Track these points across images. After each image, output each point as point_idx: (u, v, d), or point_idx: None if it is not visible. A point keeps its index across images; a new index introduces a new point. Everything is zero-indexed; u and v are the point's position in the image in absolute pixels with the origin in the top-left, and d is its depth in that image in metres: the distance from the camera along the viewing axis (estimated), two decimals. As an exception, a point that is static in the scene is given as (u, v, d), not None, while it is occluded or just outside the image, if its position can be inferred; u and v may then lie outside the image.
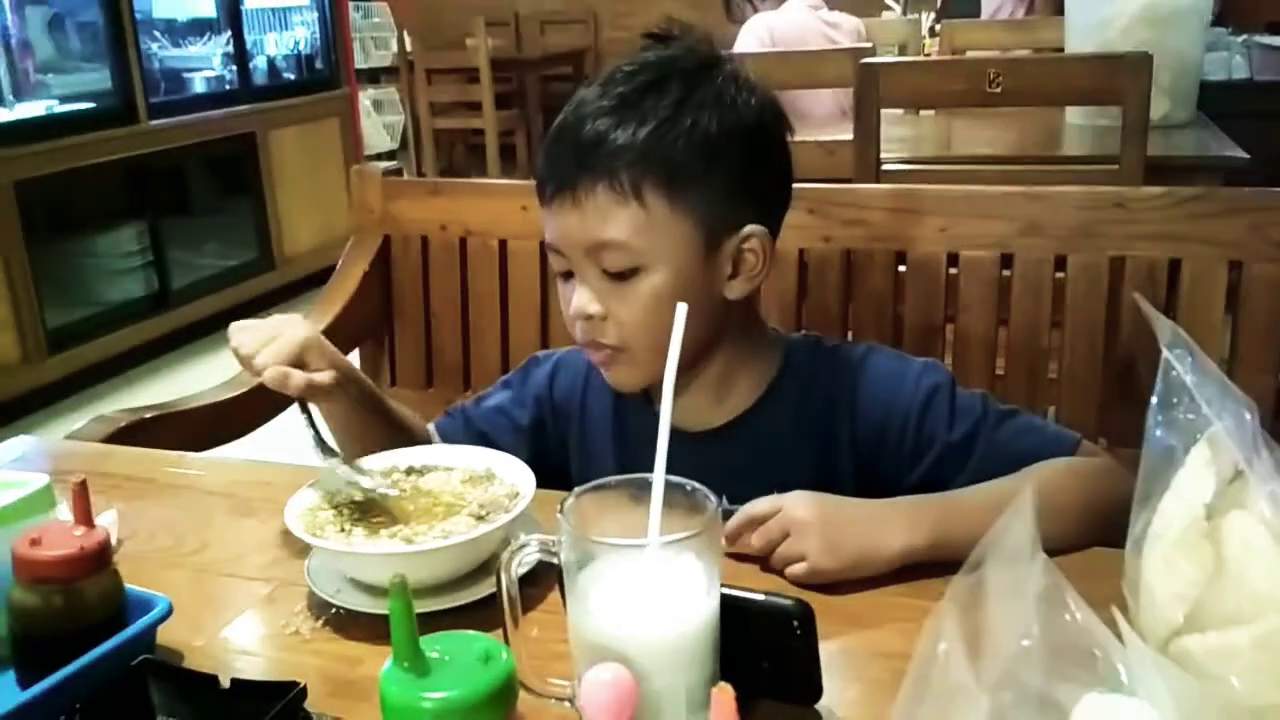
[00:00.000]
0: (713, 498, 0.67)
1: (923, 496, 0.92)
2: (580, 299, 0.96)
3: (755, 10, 3.43)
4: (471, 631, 0.58)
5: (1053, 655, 0.47)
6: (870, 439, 1.02)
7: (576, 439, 1.12)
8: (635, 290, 0.94)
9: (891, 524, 0.87)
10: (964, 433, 0.98)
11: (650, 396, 1.02)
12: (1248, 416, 0.49)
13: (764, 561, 0.89)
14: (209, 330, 4.25)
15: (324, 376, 0.98)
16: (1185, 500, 0.52)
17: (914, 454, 1.00)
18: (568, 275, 0.98)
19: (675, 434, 1.01)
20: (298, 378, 0.96)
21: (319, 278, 1.79)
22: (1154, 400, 0.54)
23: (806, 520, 0.86)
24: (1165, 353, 0.52)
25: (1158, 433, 0.53)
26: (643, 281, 0.93)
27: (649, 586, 0.64)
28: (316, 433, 0.97)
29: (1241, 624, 0.49)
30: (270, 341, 0.98)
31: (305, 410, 0.99)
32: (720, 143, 0.93)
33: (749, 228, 0.96)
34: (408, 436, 1.09)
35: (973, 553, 0.51)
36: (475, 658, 0.54)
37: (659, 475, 0.67)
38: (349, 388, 1.03)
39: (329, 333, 1.69)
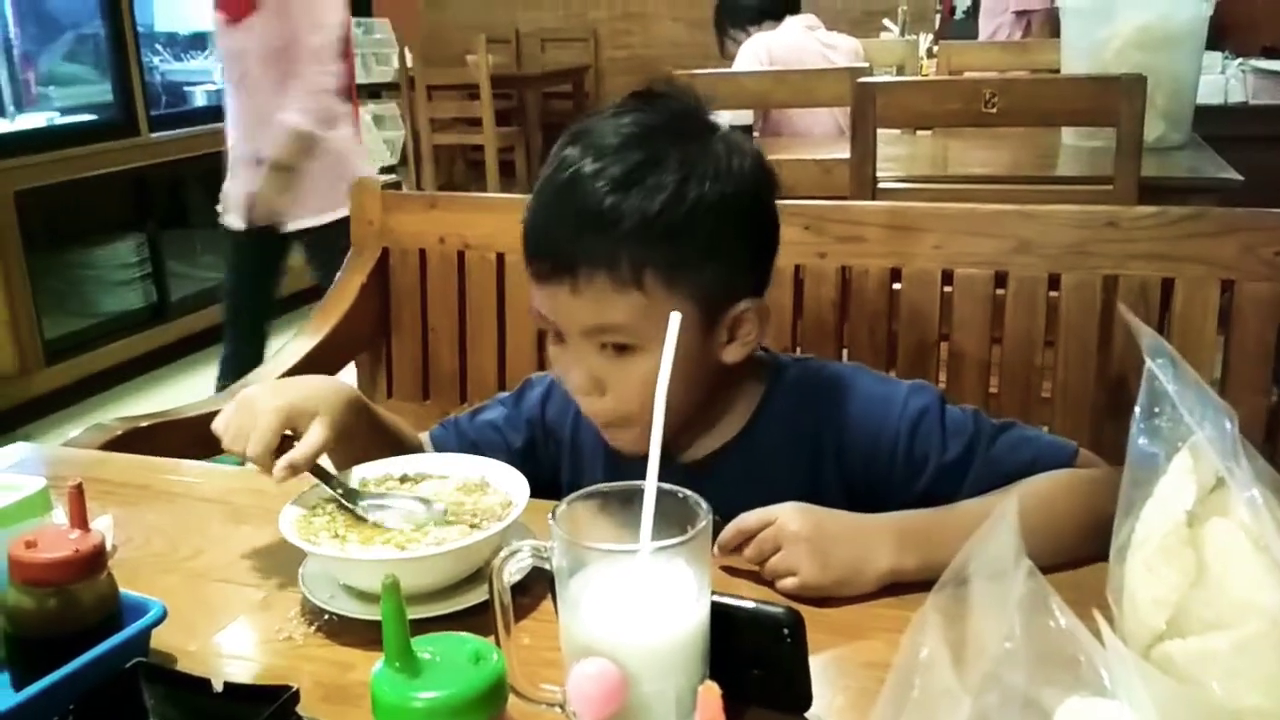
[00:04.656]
0: (704, 505, 0.67)
1: (913, 513, 0.92)
2: (577, 379, 0.95)
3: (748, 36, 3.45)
4: (463, 633, 0.59)
5: (1036, 659, 0.47)
6: (858, 463, 1.01)
7: (568, 466, 1.12)
8: (633, 367, 0.92)
9: (881, 543, 0.87)
10: (958, 452, 0.98)
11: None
12: (1228, 425, 0.50)
13: (755, 573, 0.89)
14: (207, 342, 4.24)
15: (316, 437, 0.93)
16: (1167, 508, 0.52)
17: (906, 478, 0.99)
18: (559, 336, 0.97)
19: (665, 466, 1.01)
20: (300, 462, 0.92)
21: (317, 291, 1.80)
22: (1137, 410, 0.54)
23: (798, 534, 0.87)
24: (1148, 362, 0.53)
25: (1140, 441, 0.54)
26: (640, 360, 0.92)
27: (640, 592, 0.64)
28: (324, 477, 0.95)
29: (1222, 629, 0.50)
30: (248, 430, 0.93)
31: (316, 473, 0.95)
32: (719, 223, 0.92)
33: (745, 303, 0.96)
34: (406, 450, 1.09)
35: (955, 560, 0.51)
36: (466, 658, 0.55)
37: (651, 482, 0.68)
38: (352, 423, 0.99)
39: (326, 344, 1.71)
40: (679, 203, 0.90)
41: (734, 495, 0.97)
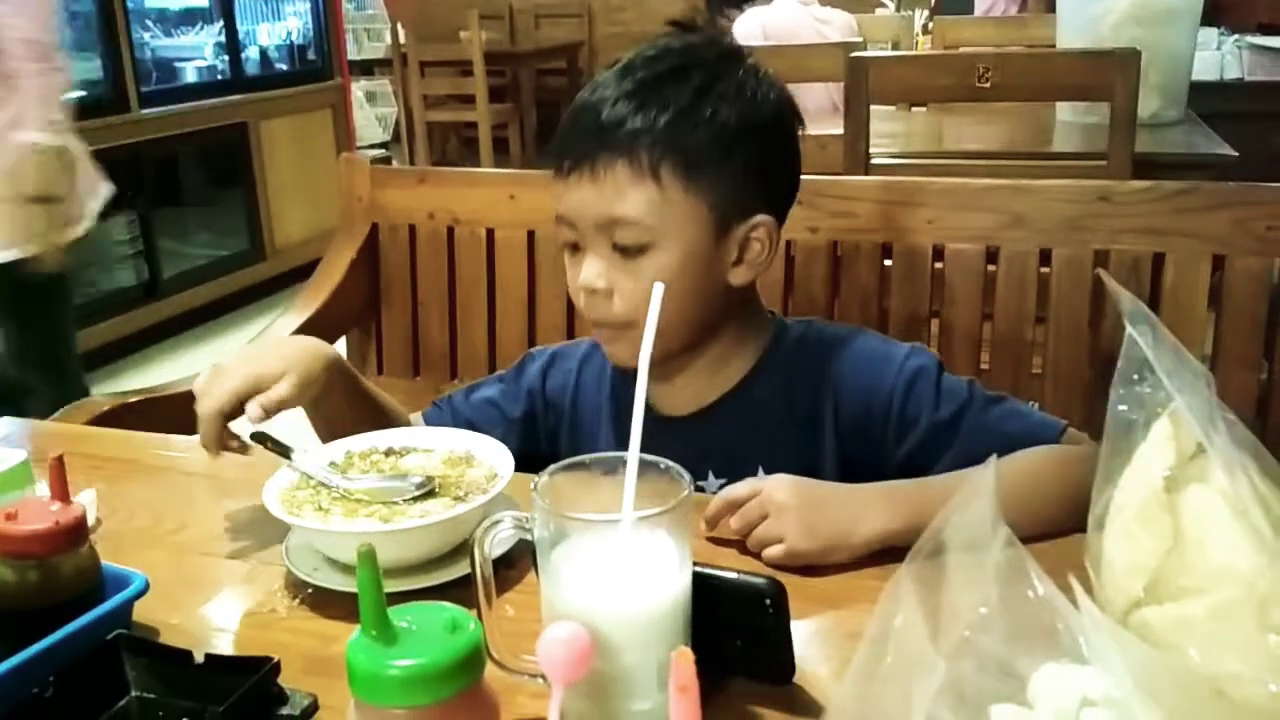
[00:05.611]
0: (686, 475, 0.67)
1: (899, 482, 0.93)
2: (587, 273, 0.97)
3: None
4: (440, 602, 0.58)
5: (1014, 627, 0.47)
6: (854, 418, 1.02)
7: (567, 433, 1.13)
8: (643, 266, 0.95)
9: (868, 508, 0.88)
10: (950, 413, 0.99)
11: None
12: (1205, 390, 0.50)
13: (741, 545, 0.89)
14: (199, 320, 4.25)
15: (279, 392, 0.95)
16: (1146, 474, 0.52)
17: (898, 434, 1.00)
18: (574, 248, 0.99)
19: (665, 418, 1.03)
20: (269, 406, 0.94)
21: (310, 269, 1.79)
22: (1117, 376, 0.54)
23: (784, 503, 0.87)
24: (1128, 328, 0.53)
25: (1120, 407, 0.54)
26: (652, 259, 0.95)
27: (621, 562, 0.64)
28: (271, 442, 0.95)
29: (1199, 595, 0.49)
30: (210, 391, 0.95)
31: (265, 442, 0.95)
32: (738, 134, 0.96)
33: (758, 216, 0.98)
34: (389, 421, 1.09)
35: (930, 527, 0.51)
36: (442, 627, 0.55)
37: (633, 452, 0.68)
38: (324, 382, 1.00)
39: (315, 320, 1.70)
40: (702, 105, 0.95)
41: (729, 447, 1.00)
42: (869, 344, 1.06)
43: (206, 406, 0.94)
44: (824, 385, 1.03)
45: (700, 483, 1.04)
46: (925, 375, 1.01)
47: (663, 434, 1.03)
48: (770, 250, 1.00)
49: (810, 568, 0.85)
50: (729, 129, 0.95)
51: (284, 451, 0.93)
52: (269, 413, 0.94)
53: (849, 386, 1.03)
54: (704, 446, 1.04)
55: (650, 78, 0.96)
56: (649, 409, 1.03)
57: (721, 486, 1.02)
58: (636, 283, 0.95)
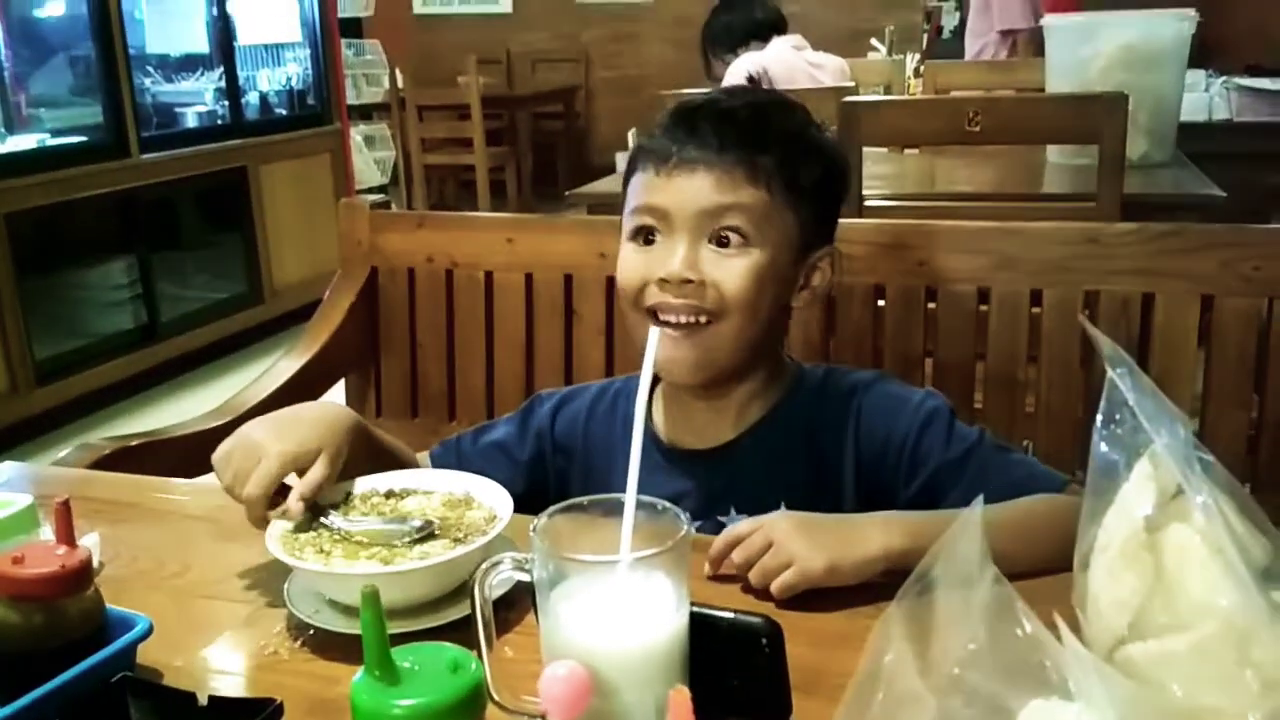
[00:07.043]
0: (683, 516, 0.68)
1: (899, 511, 0.95)
2: (676, 264, 1.00)
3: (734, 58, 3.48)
4: (442, 643, 0.59)
5: (1002, 664, 0.48)
6: (871, 457, 1.06)
7: (579, 474, 1.15)
8: (738, 261, 1.01)
9: (869, 528, 0.90)
10: (958, 454, 1.03)
11: (658, 425, 1.10)
12: (1181, 431, 0.51)
13: (741, 584, 0.90)
14: (198, 363, 4.26)
15: (317, 474, 0.94)
16: (1128, 514, 0.54)
17: (909, 471, 1.04)
18: (648, 240, 1.03)
19: (686, 451, 1.06)
20: (307, 496, 0.93)
21: (308, 312, 1.80)
22: (1099, 417, 0.56)
23: (787, 530, 0.89)
24: (1109, 371, 0.54)
25: (1102, 448, 0.55)
26: (745, 256, 1.01)
27: (619, 603, 0.65)
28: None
29: (1180, 631, 0.51)
30: (248, 472, 0.93)
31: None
32: (829, 173, 1.08)
33: (827, 246, 1.07)
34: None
35: (919, 565, 0.52)
36: (444, 667, 0.56)
37: (631, 494, 0.69)
38: (351, 453, 0.99)
39: (314, 363, 1.72)
40: (805, 139, 1.06)
41: (751, 484, 1.03)
42: (888, 388, 1.10)
43: (254, 493, 0.92)
44: (844, 426, 1.07)
45: (722, 518, 1.05)
46: (939, 417, 1.05)
47: (684, 468, 1.06)
48: (829, 280, 1.09)
49: (807, 603, 0.86)
50: (821, 167, 1.06)
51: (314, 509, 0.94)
52: (309, 500, 0.93)
53: (868, 427, 1.07)
54: (726, 482, 1.07)
55: (760, 104, 1.07)
56: (669, 444, 1.07)
57: None
58: (730, 275, 1.00)
